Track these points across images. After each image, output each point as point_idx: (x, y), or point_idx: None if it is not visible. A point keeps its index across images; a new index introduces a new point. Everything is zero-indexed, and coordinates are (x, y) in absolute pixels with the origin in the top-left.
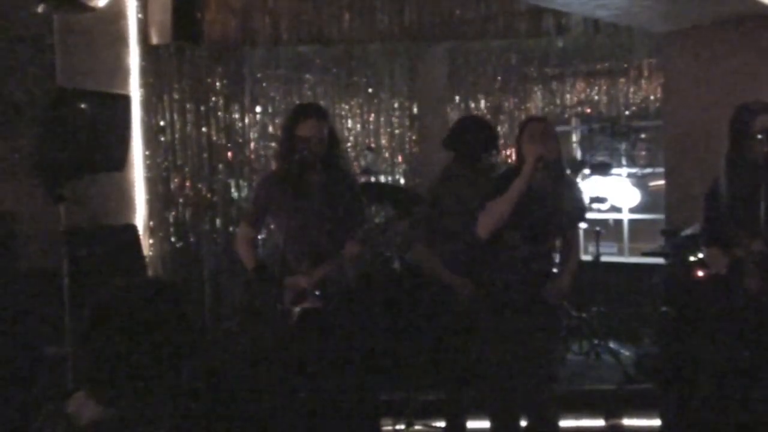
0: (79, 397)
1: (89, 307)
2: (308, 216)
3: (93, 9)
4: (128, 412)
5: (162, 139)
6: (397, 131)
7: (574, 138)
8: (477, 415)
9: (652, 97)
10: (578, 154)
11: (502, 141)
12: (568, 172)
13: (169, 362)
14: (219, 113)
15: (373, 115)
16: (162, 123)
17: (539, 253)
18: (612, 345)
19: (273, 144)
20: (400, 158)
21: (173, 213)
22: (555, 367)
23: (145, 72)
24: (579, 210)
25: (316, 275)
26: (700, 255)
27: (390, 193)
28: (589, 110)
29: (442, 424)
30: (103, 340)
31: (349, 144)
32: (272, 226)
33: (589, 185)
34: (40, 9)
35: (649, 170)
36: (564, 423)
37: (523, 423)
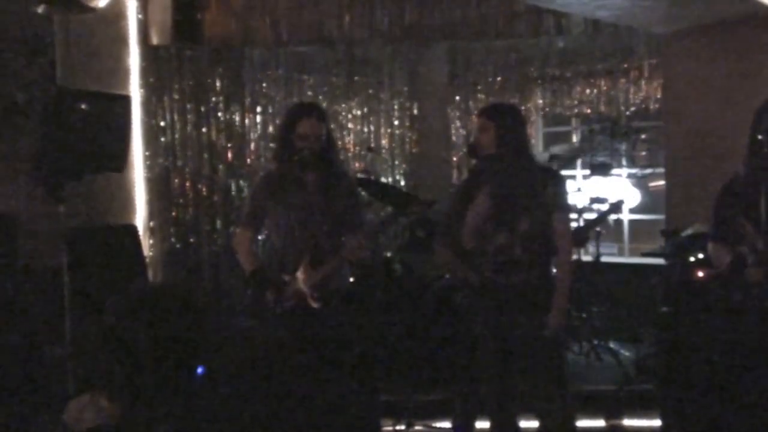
0: (78, 402)
1: (108, 312)
2: (306, 215)
3: (93, 9)
4: (136, 413)
5: (162, 139)
6: (397, 131)
7: (574, 138)
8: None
9: (652, 98)
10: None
11: None
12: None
13: (180, 365)
14: (219, 113)
15: (373, 115)
16: (162, 123)
17: (517, 239)
18: (612, 345)
19: (273, 144)
20: (400, 158)
21: (173, 213)
22: (558, 363)
23: (145, 72)
24: (557, 200)
25: (315, 276)
26: (700, 255)
27: (389, 192)
28: (589, 110)
29: (441, 424)
30: (122, 343)
31: (349, 144)
32: (270, 227)
33: (589, 185)
34: (40, 9)
35: (649, 170)
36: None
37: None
